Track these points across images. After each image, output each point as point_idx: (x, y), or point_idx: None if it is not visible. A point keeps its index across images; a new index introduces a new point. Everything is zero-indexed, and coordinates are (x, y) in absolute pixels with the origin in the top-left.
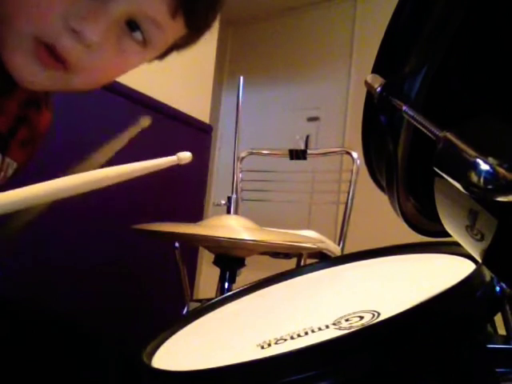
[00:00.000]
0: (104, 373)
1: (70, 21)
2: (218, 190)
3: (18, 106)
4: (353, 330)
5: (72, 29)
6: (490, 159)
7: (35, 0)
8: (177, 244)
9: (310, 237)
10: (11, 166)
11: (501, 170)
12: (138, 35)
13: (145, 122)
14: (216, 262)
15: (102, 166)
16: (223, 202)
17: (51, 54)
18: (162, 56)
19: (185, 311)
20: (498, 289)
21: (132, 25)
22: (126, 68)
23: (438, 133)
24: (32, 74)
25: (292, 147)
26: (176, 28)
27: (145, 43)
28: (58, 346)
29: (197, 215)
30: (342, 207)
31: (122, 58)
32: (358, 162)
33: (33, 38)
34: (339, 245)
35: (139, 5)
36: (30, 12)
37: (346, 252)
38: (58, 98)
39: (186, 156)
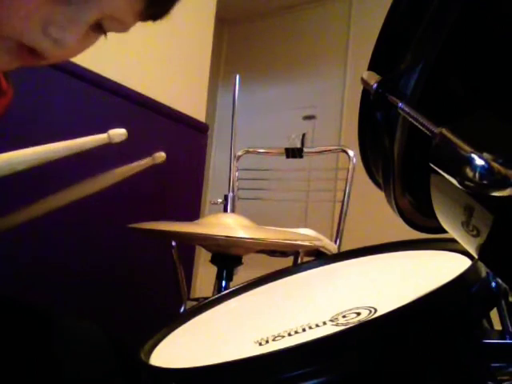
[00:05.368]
0: (103, 371)
1: (49, 29)
2: (214, 188)
3: None
4: (350, 326)
5: (51, 36)
6: (485, 154)
7: (14, 8)
8: (173, 243)
9: (306, 235)
10: None
11: (496, 165)
12: (101, 32)
13: (159, 157)
14: (213, 261)
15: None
16: (220, 200)
17: (29, 53)
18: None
19: (182, 310)
20: (493, 284)
21: (99, 27)
22: (83, 51)
23: (433, 129)
24: (3, 64)
25: (288, 146)
26: (137, 20)
27: (105, 34)
28: (57, 344)
29: (193, 214)
30: (338, 205)
31: (85, 47)
32: (354, 160)
33: (14, 40)
34: (336, 242)
35: (111, 11)
36: (9, 17)
37: (343, 250)
38: (58, 98)
39: (117, 132)
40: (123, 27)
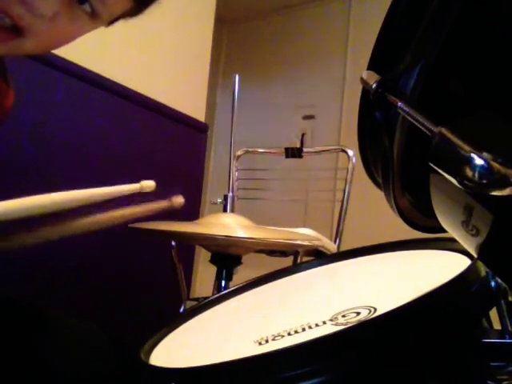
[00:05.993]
0: (102, 370)
1: None
2: (214, 188)
3: None
4: (350, 325)
5: (26, 2)
6: (485, 154)
7: None
8: (173, 242)
9: (306, 234)
10: None
11: (495, 165)
12: (86, 7)
13: (177, 201)
14: (212, 261)
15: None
16: (219, 200)
17: (3, 27)
18: (108, 24)
19: (181, 310)
20: (493, 284)
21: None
22: (76, 35)
23: (433, 128)
24: None
25: (288, 145)
26: (123, 3)
27: (93, 14)
28: (57, 344)
29: (193, 214)
30: (337, 205)
31: (72, 26)
32: (354, 159)
33: None
34: (335, 242)
35: None
36: None
37: (342, 249)
38: (57, 98)
39: (149, 184)
40: (105, 6)
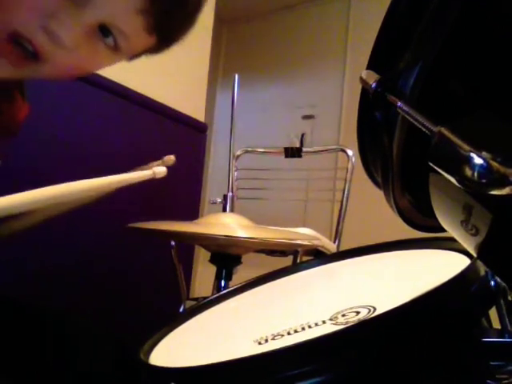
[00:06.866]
0: (102, 370)
1: (47, 21)
2: (213, 188)
3: None
4: (349, 324)
5: (47, 29)
6: (484, 153)
7: None
8: (173, 242)
9: (305, 234)
10: None
11: (494, 164)
12: (109, 41)
13: (168, 160)
14: (212, 260)
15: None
16: (219, 200)
17: (22, 53)
18: (130, 59)
19: (181, 309)
20: (492, 283)
21: (105, 31)
22: (95, 68)
23: (432, 128)
24: None
25: (287, 145)
26: (147, 40)
27: (115, 48)
28: (57, 343)
29: (192, 213)
30: (337, 205)
31: (92, 58)
32: (353, 159)
33: (4, 33)
34: (335, 242)
35: (112, 16)
36: (11, 7)
37: (342, 249)
38: (56, 98)
39: (161, 171)
40: (128, 42)
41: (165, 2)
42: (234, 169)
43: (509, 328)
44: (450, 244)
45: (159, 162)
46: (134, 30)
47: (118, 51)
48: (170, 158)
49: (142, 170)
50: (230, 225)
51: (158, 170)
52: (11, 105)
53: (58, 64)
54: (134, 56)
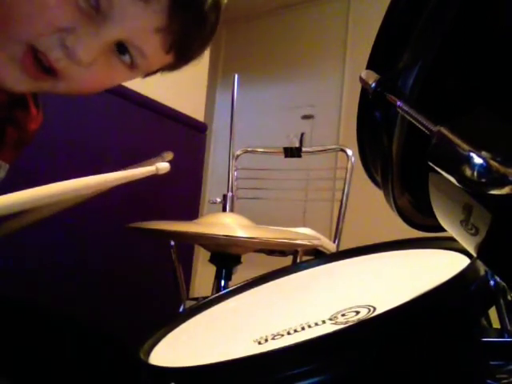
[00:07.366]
0: (102, 370)
1: (65, 36)
2: (213, 188)
3: (2, 107)
4: (349, 324)
5: (65, 44)
6: (484, 153)
7: (38, 11)
8: (172, 242)
9: (305, 234)
10: (3, 167)
11: (494, 164)
12: (126, 58)
13: (168, 156)
14: (212, 260)
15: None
16: (219, 199)
17: (39, 67)
18: (145, 76)
19: (181, 309)
20: (492, 283)
21: (122, 48)
22: (111, 83)
23: (432, 128)
24: (15, 82)
25: (287, 145)
26: (164, 58)
27: (132, 66)
28: (57, 343)
29: (192, 213)
30: (337, 204)
31: (108, 75)
32: (353, 159)
33: (24, 45)
34: (334, 242)
35: (130, 33)
36: (30, 20)
37: (342, 249)
38: (56, 98)
39: (163, 166)
40: (146, 60)
41: (183, 22)
42: (233, 169)
43: (508, 328)
44: (449, 244)
45: (158, 158)
46: (152, 48)
47: (135, 68)
48: (169, 154)
49: (143, 166)
50: (229, 225)
51: (161, 165)
52: (26, 114)
53: (74, 80)
54: (149, 73)
